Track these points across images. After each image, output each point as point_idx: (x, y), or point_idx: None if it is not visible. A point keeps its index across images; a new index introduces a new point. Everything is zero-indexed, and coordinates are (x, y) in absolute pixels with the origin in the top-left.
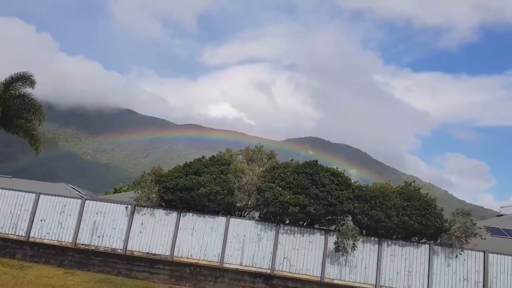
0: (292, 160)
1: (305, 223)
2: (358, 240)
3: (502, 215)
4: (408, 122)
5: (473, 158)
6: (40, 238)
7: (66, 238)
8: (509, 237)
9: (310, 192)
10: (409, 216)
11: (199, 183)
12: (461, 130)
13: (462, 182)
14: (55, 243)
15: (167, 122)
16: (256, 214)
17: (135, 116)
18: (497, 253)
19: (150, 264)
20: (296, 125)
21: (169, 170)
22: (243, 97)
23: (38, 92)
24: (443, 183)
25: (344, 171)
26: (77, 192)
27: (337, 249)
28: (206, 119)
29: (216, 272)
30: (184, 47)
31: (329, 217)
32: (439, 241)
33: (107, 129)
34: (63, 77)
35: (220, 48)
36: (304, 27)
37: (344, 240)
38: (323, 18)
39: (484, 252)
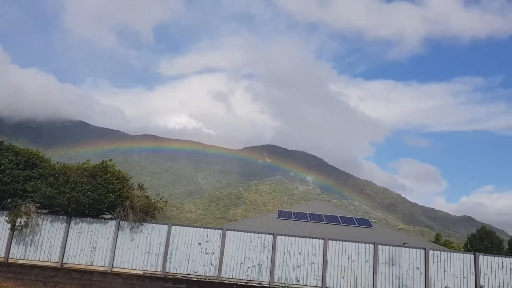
0: None
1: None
2: (32, 218)
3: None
4: (363, 130)
5: (425, 163)
6: None
7: None
8: (293, 219)
9: None
10: (82, 192)
11: None
12: (413, 136)
13: (416, 186)
14: None
15: (122, 133)
16: None
17: (88, 128)
18: (180, 226)
19: None
20: (254, 134)
21: None
22: (201, 107)
23: None
24: (396, 187)
25: None
26: None
27: (12, 228)
28: (165, 129)
29: None
30: (141, 58)
31: (4, 196)
32: (120, 217)
33: (58, 142)
34: (15, 90)
35: (177, 59)
36: (261, 38)
37: (14, 218)
38: (280, 29)
39: (168, 225)
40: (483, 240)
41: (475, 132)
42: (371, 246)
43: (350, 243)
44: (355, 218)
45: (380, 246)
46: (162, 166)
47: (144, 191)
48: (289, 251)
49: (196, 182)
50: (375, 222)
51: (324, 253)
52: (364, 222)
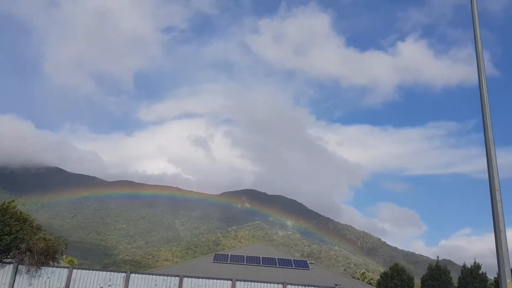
0: None
1: None
2: None
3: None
4: (342, 174)
5: (403, 207)
6: None
7: None
8: (229, 262)
9: None
10: None
11: None
12: (390, 180)
13: (395, 230)
14: None
15: (98, 179)
16: None
17: (64, 174)
18: (82, 269)
19: None
20: (234, 179)
21: None
22: (180, 152)
23: None
24: (377, 231)
25: None
26: None
27: None
28: (144, 175)
29: None
30: (119, 104)
31: None
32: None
33: (32, 189)
34: None
35: (156, 105)
36: (240, 84)
37: None
38: (258, 76)
39: (68, 268)
40: (394, 278)
41: (451, 176)
42: (280, 286)
43: (259, 283)
44: (293, 260)
45: (289, 286)
46: (139, 213)
47: (44, 233)
48: None
49: (174, 228)
50: (313, 263)
51: None
52: (302, 264)
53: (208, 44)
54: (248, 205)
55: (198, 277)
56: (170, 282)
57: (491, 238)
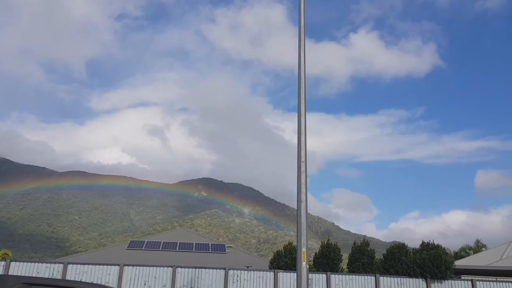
0: None
1: None
2: None
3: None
4: None
5: (356, 192)
6: None
7: None
8: (144, 249)
9: None
10: None
11: None
12: (344, 166)
13: (348, 214)
14: None
15: (48, 170)
16: None
17: (11, 165)
18: None
19: None
20: (191, 168)
21: None
22: (135, 142)
23: None
24: (331, 216)
25: None
26: None
27: None
28: (98, 166)
29: None
30: (70, 92)
31: None
32: None
33: None
34: None
35: (109, 93)
36: (196, 73)
37: None
38: (215, 65)
39: None
40: (285, 257)
41: (401, 161)
42: (170, 269)
43: (148, 267)
44: (210, 244)
45: (179, 269)
46: (92, 204)
47: None
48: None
49: (129, 219)
50: (231, 247)
51: (118, 280)
52: (219, 248)
53: (163, 32)
54: (204, 194)
55: (84, 264)
56: (54, 270)
57: (437, 220)
